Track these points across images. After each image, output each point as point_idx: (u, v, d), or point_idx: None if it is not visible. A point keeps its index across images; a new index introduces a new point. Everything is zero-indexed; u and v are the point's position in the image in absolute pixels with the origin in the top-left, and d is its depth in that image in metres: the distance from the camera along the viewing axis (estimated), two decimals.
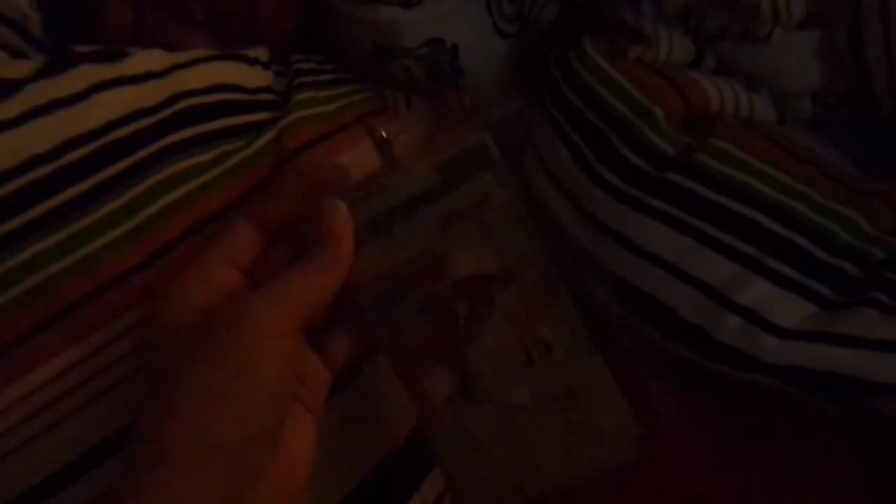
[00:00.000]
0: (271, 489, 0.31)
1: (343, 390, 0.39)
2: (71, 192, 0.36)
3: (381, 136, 0.39)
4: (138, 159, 0.38)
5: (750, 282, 0.43)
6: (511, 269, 0.35)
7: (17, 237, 0.34)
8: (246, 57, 0.46)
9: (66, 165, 0.36)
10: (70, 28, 0.47)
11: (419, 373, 0.36)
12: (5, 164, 0.35)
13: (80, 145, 0.37)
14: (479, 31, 0.55)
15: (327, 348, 0.36)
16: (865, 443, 0.45)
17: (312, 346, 0.35)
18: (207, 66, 0.43)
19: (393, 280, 0.35)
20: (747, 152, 0.46)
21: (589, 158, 0.47)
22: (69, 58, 0.39)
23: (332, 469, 0.38)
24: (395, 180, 0.35)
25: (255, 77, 0.45)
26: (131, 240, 0.36)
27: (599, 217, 0.47)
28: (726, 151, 0.46)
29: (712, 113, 0.50)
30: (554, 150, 0.50)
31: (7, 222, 0.34)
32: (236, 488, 0.29)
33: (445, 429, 0.36)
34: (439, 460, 0.37)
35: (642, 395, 0.39)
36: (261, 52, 0.48)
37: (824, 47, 0.52)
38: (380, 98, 0.52)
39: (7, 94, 0.36)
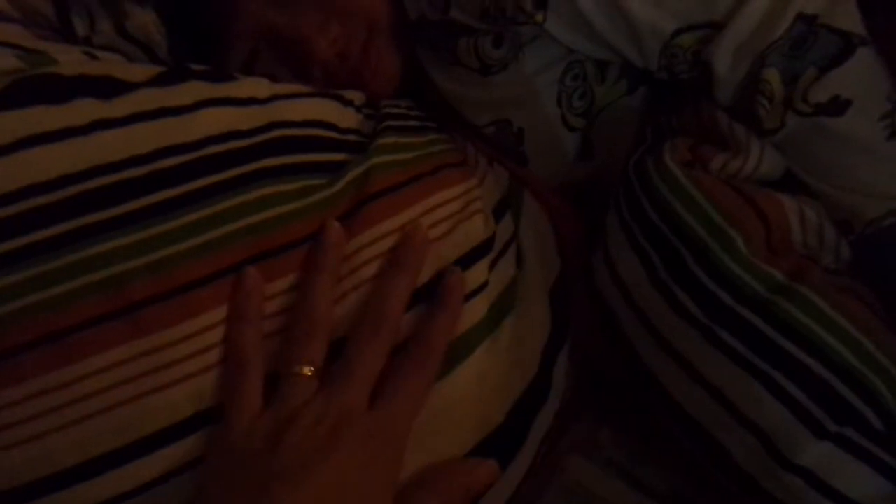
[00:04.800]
0: None
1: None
2: (159, 196, 0.38)
3: None
4: (227, 177, 0.40)
5: (810, 441, 0.40)
6: None
7: (99, 230, 0.36)
8: (342, 97, 0.49)
9: (159, 170, 0.38)
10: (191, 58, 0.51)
11: None
12: (105, 158, 0.37)
13: (177, 154, 0.39)
14: (546, 120, 0.56)
15: None
16: None
17: None
18: (306, 101, 0.46)
19: None
20: (838, 311, 0.42)
21: (661, 274, 0.45)
22: (183, 72, 0.42)
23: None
24: None
25: (346, 118, 0.48)
26: (204, 252, 0.38)
27: (665, 335, 0.45)
28: (815, 306, 0.42)
29: (796, 244, 0.46)
30: (624, 255, 0.48)
31: (91, 214, 0.36)
32: None
33: None
34: None
35: None
36: (356, 96, 0.50)
37: None
38: (460, 151, 0.53)
39: (119, 94, 0.39)
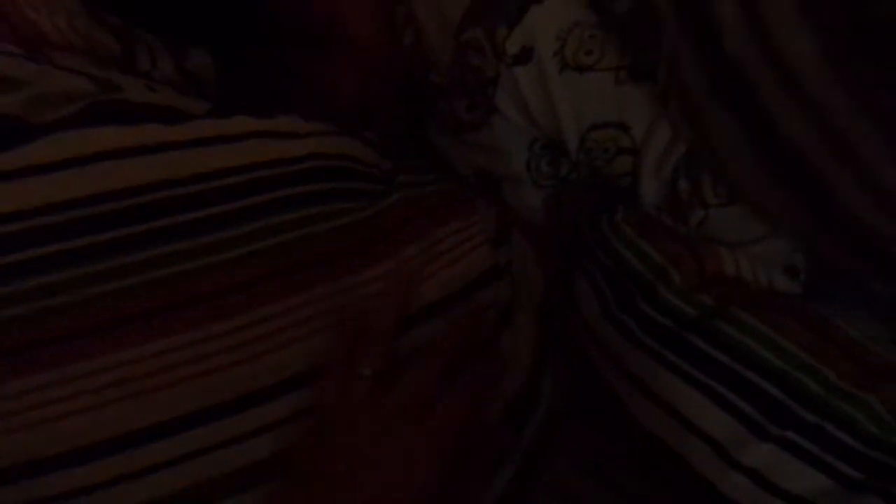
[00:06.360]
0: None
1: None
2: (219, 209, 0.44)
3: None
4: (272, 198, 0.46)
5: (753, 444, 0.46)
6: None
7: (165, 233, 0.42)
8: (364, 136, 0.55)
9: (216, 188, 0.45)
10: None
11: None
12: (172, 174, 0.44)
13: (231, 175, 0.45)
14: (518, 179, 0.62)
15: None
16: None
17: None
18: (338, 138, 0.53)
19: None
20: (764, 323, 0.49)
21: (612, 308, 0.53)
22: (231, 108, 0.49)
23: None
24: None
25: (368, 155, 0.54)
26: (258, 258, 0.44)
27: (623, 361, 0.52)
28: (744, 322, 0.49)
29: (729, 277, 0.53)
30: (584, 295, 0.55)
31: (158, 220, 0.42)
32: None
33: None
34: None
35: None
36: (370, 135, 0.57)
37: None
38: (463, 190, 0.59)
39: (181, 122, 0.46)
